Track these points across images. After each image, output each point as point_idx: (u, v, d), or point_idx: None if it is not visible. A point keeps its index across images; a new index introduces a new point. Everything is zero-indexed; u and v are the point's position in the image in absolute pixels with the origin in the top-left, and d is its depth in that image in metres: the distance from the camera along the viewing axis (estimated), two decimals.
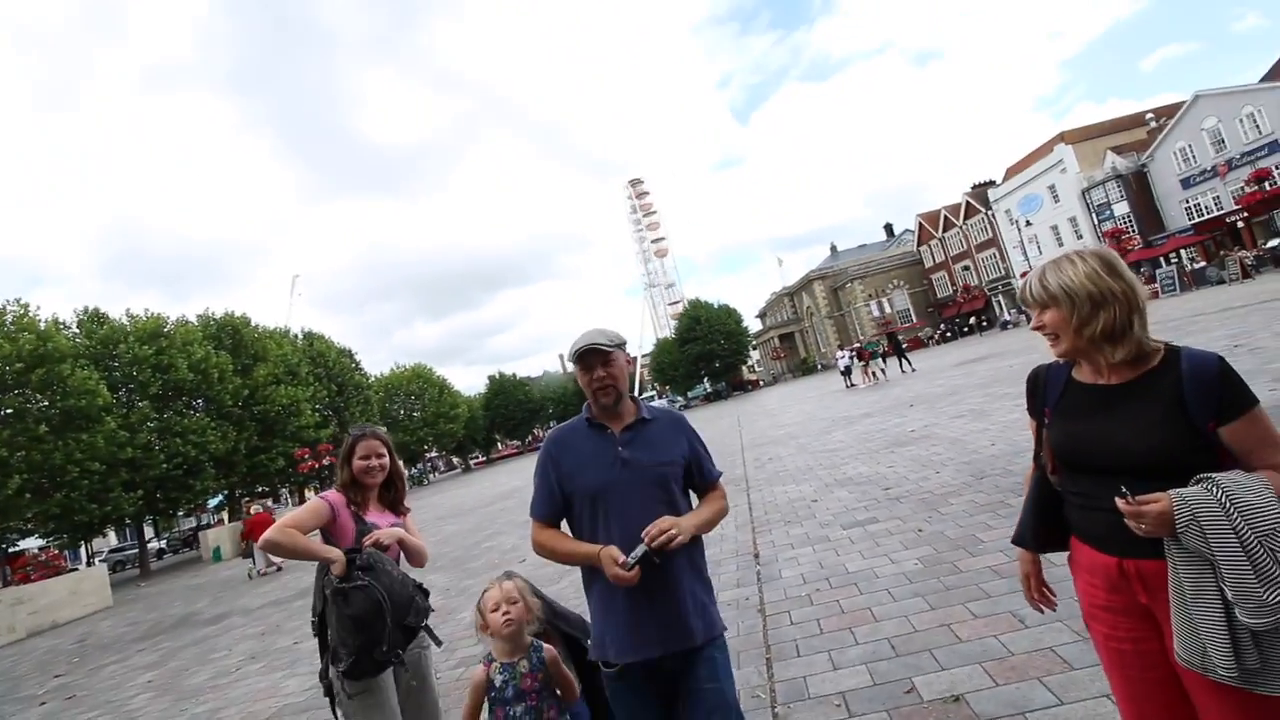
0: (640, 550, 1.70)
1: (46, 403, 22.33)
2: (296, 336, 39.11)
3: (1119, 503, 1.27)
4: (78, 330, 26.35)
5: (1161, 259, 35.73)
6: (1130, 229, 37.89)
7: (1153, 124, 40.30)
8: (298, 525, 2.42)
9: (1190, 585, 1.25)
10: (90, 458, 22.21)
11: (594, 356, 1.88)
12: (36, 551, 27.48)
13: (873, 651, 3.23)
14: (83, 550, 36.53)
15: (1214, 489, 1.23)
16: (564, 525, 1.98)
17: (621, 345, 1.94)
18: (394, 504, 2.70)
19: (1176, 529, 1.23)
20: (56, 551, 27.01)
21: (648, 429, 1.94)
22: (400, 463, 2.74)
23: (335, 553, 2.34)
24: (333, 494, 2.55)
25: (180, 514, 33.85)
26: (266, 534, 2.37)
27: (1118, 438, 1.39)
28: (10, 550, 26.40)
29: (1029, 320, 1.60)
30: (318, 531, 2.46)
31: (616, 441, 1.89)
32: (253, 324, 33.29)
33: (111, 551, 39.35)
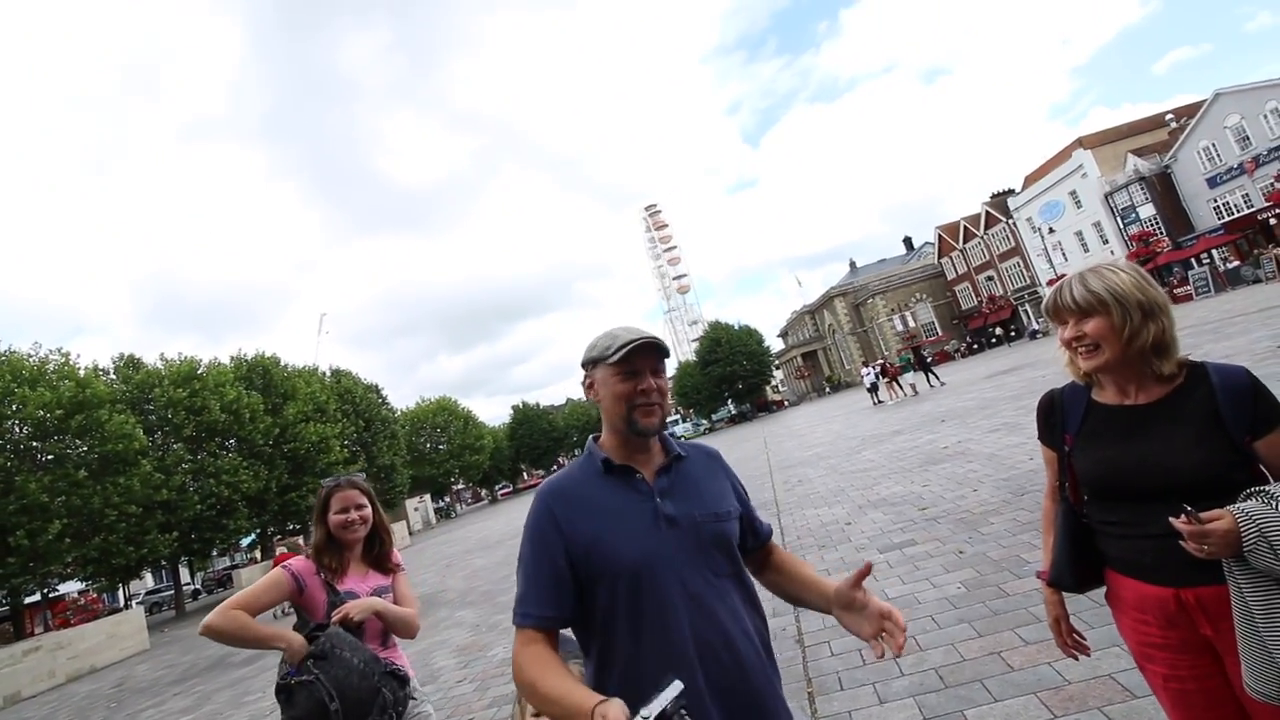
0: (671, 695, 0.99)
1: (85, 448, 22.94)
2: (324, 374, 39.78)
3: (1178, 524, 1.18)
4: (114, 376, 27.20)
5: (1193, 260, 34.88)
6: (1158, 231, 37.11)
7: (1173, 124, 39.73)
8: (249, 604, 2.06)
9: (1260, 609, 1.15)
10: (127, 500, 22.68)
11: (651, 356, 1.32)
12: (76, 595, 28.01)
13: (920, 683, 3.09)
14: (120, 593, 37.11)
15: (1272, 502, 1.15)
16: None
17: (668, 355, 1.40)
18: (379, 562, 2.34)
19: (1244, 547, 1.14)
20: (95, 595, 27.49)
21: (685, 470, 1.39)
22: (383, 514, 2.37)
23: (289, 638, 2.02)
24: (298, 561, 2.20)
25: (214, 554, 34.32)
26: (208, 618, 2.02)
27: (1160, 459, 1.31)
28: (51, 595, 26.93)
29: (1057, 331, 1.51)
30: (278, 612, 2.13)
31: (653, 491, 1.31)
32: (282, 363, 34.00)
33: (148, 593, 39.96)
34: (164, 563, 27.63)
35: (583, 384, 1.41)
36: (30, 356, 23.11)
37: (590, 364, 1.38)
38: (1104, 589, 1.50)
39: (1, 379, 21.25)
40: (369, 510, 2.29)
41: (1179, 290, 31.78)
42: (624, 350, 1.29)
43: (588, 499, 1.30)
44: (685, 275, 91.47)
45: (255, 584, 2.12)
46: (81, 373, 23.97)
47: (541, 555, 1.26)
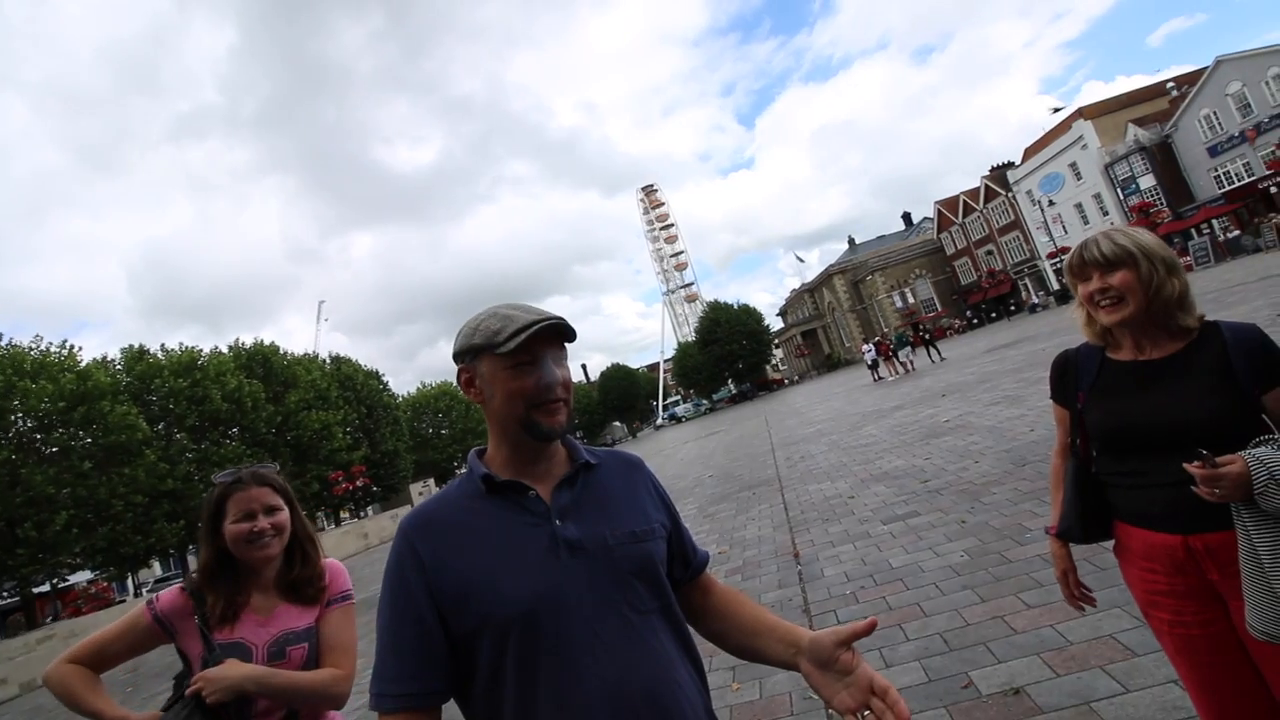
0: None
1: (89, 439, 23.08)
2: (325, 362, 39.81)
3: (1191, 468, 1.21)
4: (122, 367, 27.28)
5: (1193, 230, 34.72)
6: (1158, 201, 36.89)
7: (1174, 93, 39.27)
8: (96, 653, 1.55)
9: (1267, 551, 1.19)
10: (133, 490, 22.89)
11: (554, 342, 1.05)
12: (86, 585, 28.33)
13: (925, 647, 3.15)
14: (129, 582, 37.51)
15: None
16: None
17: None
18: (298, 590, 1.60)
19: (1254, 490, 1.18)
20: (105, 584, 27.80)
21: (595, 481, 1.10)
22: (306, 519, 1.69)
23: (113, 714, 1.50)
24: (169, 595, 1.57)
25: None
26: (47, 669, 1.56)
27: (1172, 410, 1.35)
28: (61, 585, 27.24)
29: (1058, 301, 1.55)
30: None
31: (550, 510, 1.03)
32: (282, 351, 34.02)
33: (157, 582, 40.31)
34: (172, 551, 27.89)
35: (458, 380, 1.08)
36: (31, 350, 23.13)
37: (469, 354, 1.06)
38: (1110, 544, 1.54)
39: (3, 372, 21.29)
40: (285, 515, 1.61)
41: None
42: (523, 336, 0.99)
43: (462, 529, 1.00)
44: (683, 252, 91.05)
45: (112, 624, 1.57)
46: (83, 364, 24.03)
47: (404, 610, 0.97)
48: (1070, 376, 1.56)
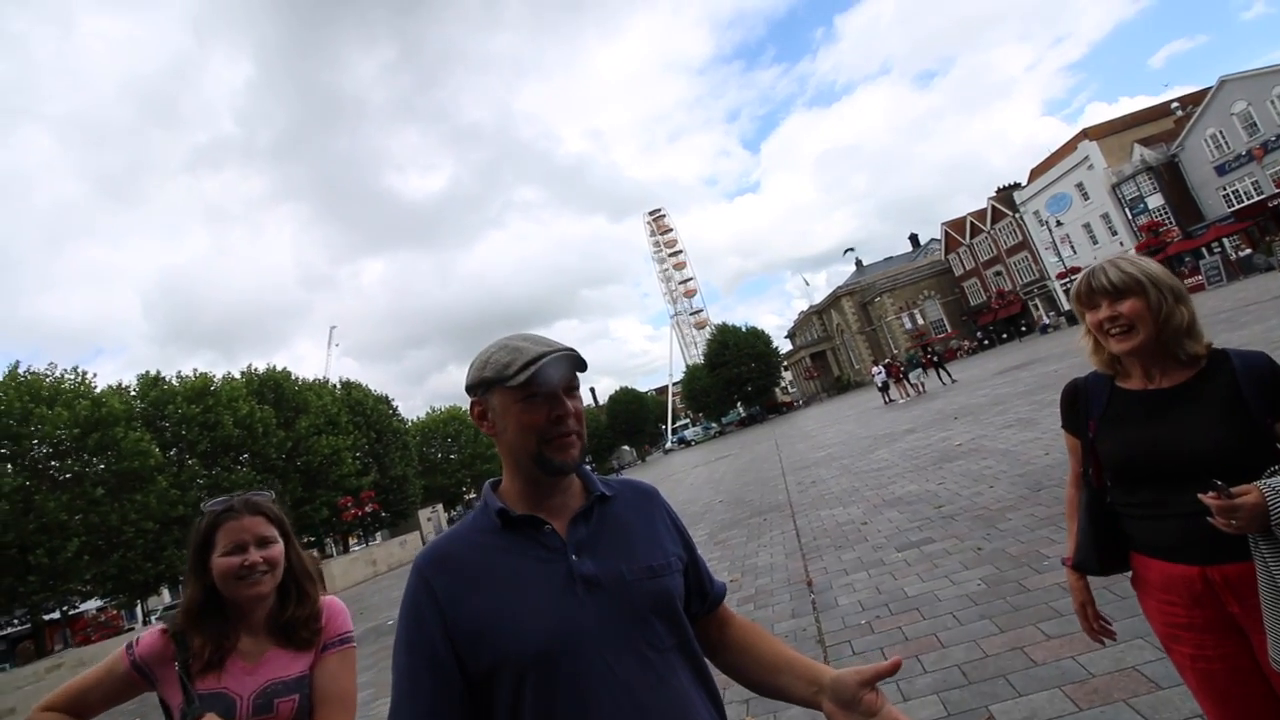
0: None
1: (102, 466, 23.23)
2: (335, 387, 40.07)
3: (1207, 499, 1.20)
4: (136, 393, 27.57)
5: (1204, 249, 34.57)
6: (1167, 220, 36.79)
7: (1179, 113, 39.40)
8: (76, 699, 1.39)
9: None
10: (144, 517, 22.95)
11: (564, 373, 1.04)
12: (96, 613, 28.29)
13: (943, 680, 3.09)
14: (139, 609, 37.43)
15: None
16: None
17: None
18: (292, 630, 1.45)
19: (1272, 521, 1.17)
20: (115, 611, 27.74)
21: (610, 514, 1.09)
22: (302, 552, 1.55)
23: None
24: (149, 638, 1.42)
25: None
26: (27, 718, 1.41)
27: (1183, 439, 1.34)
28: (71, 613, 27.20)
29: (1069, 322, 1.55)
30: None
31: (566, 545, 1.02)
32: (293, 377, 34.27)
33: (166, 609, 40.22)
34: (180, 578, 27.87)
35: (471, 413, 1.09)
36: (46, 376, 23.44)
37: (481, 387, 1.05)
38: (1128, 575, 1.52)
39: (20, 400, 21.56)
40: (279, 547, 1.46)
41: (1190, 280, 31.49)
42: (533, 369, 0.99)
43: (478, 565, 0.99)
44: (692, 279, 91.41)
45: (93, 669, 1.42)
46: (97, 390, 24.31)
47: (419, 649, 0.95)
48: (1080, 405, 1.55)
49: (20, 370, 23.05)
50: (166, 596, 44.08)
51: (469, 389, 1.08)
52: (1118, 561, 1.50)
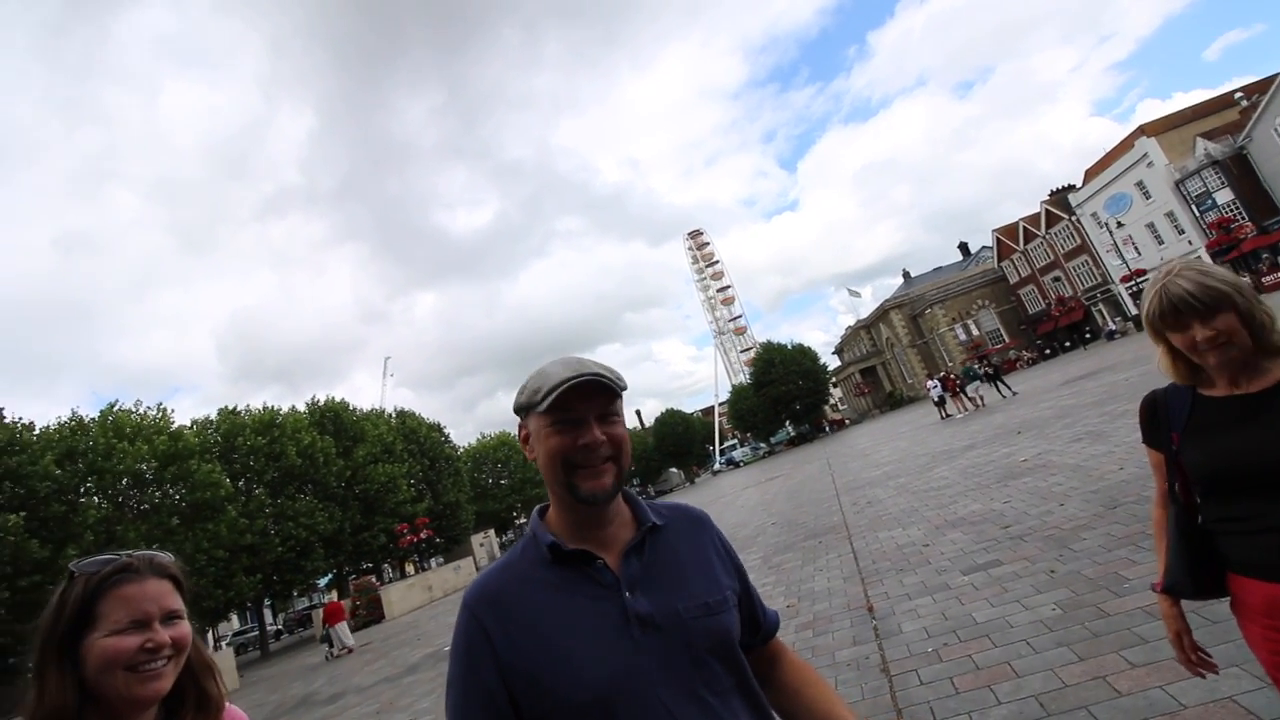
0: None
1: (178, 496, 24.53)
2: (390, 416, 41.29)
3: None
4: (214, 428, 29.16)
5: None
6: (1239, 216, 34.78)
7: (1243, 103, 37.41)
8: None
9: None
10: (215, 545, 24.06)
11: (594, 397, 0.98)
12: None
13: (1020, 711, 2.95)
14: (209, 635, 38.99)
15: None
16: None
17: (624, 390, 1.04)
18: None
19: None
20: None
21: (662, 544, 1.05)
22: (196, 639, 1.08)
23: None
24: None
25: (295, 594, 35.69)
26: None
27: (1279, 444, 1.26)
28: None
29: (1137, 327, 1.48)
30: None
31: (619, 581, 0.98)
32: (351, 407, 35.52)
33: (235, 635, 41.77)
34: (249, 604, 28.93)
35: (519, 436, 1.07)
36: (133, 413, 25.06)
37: (522, 411, 1.04)
38: (1226, 600, 1.42)
39: (105, 436, 23.04)
40: (187, 628, 1.05)
41: (1268, 278, 29.59)
42: (555, 394, 0.95)
43: (531, 604, 0.95)
44: (741, 316, 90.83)
45: None
46: (174, 426, 25.79)
47: (473, 692, 0.92)
48: (1161, 417, 1.47)
49: (114, 409, 24.71)
50: (235, 622, 45.85)
51: (516, 411, 1.07)
52: (1213, 584, 1.40)
